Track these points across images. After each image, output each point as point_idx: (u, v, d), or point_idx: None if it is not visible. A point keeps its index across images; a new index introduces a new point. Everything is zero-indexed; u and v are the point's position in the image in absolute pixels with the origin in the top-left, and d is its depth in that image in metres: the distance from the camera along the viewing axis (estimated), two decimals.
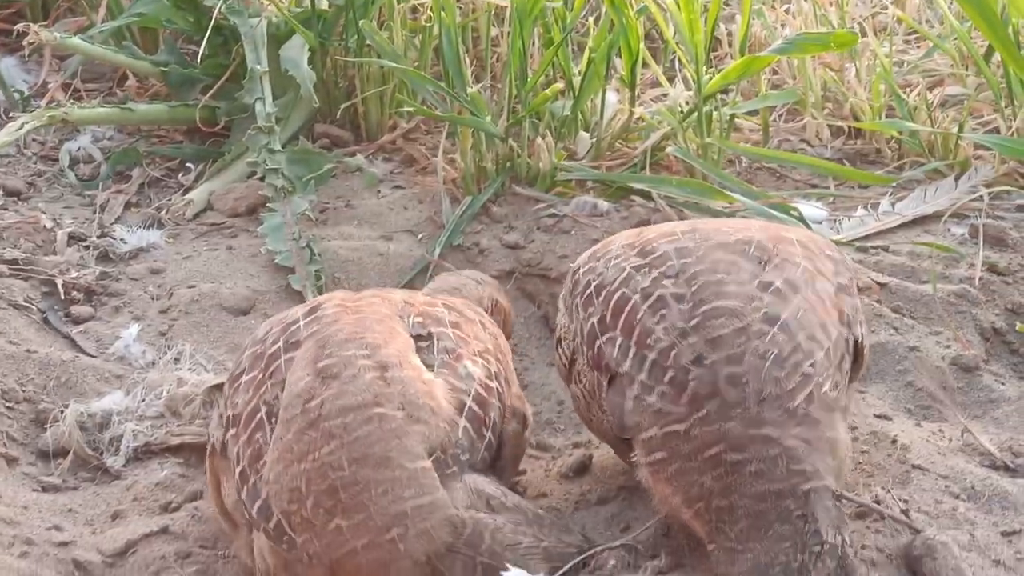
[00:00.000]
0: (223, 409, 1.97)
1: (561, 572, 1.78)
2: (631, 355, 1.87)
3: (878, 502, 1.94)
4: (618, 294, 1.93)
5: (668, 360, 1.83)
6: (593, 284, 1.98)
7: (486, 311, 2.22)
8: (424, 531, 1.74)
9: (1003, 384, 2.40)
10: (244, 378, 1.95)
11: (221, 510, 1.97)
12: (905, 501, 1.98)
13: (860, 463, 2.08)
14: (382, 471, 1.77)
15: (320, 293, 2.66)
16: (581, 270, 2.04)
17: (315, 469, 1.78)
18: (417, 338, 1.96)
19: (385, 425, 1.80)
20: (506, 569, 1.73)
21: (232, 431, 1.91)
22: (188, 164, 3.24)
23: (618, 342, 1.89)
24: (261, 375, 1.93)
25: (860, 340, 1.97)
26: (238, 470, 1.87)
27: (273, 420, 1.86)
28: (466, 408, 1.87)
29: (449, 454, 1.82)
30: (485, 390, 1.92)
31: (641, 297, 1.90)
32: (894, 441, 2.13)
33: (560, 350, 2.08)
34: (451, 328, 1.99)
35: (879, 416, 2.23)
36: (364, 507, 1.75)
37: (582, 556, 1.81)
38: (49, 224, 2.93)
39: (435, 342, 1.95)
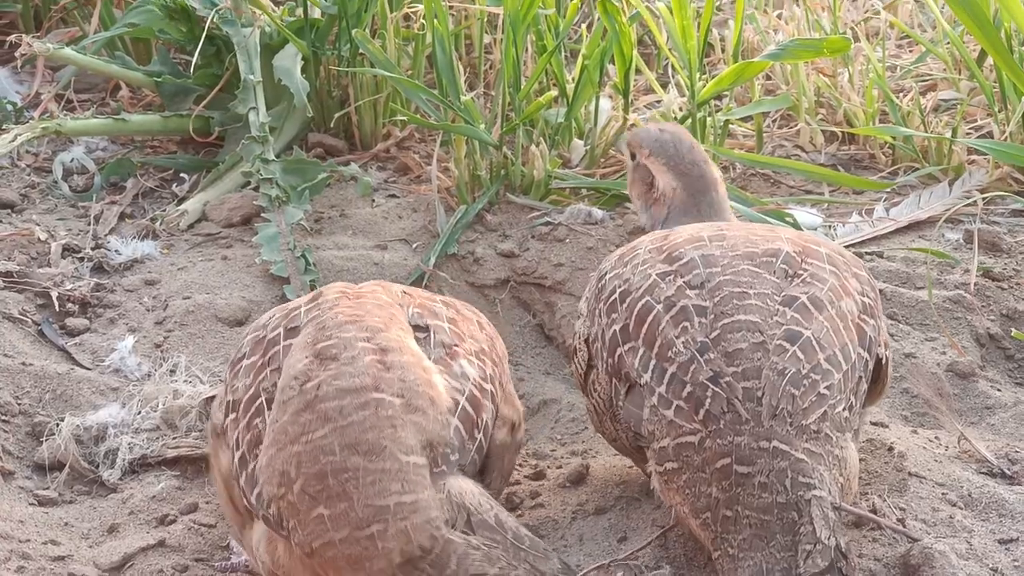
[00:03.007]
0: (224, 394, 1.95)
1: None
2: (651, 367, 1.88)
3: (874, 510, 1.94)
4: (642, 302, 1.93)
5: (687, 375, 1.85)
6: (619, 290, 1.99)
7: None
8: (403, 530, 1.71)
9: (999, 390, 2.40)
10: (244, 362, 1.94)
11: (226, 500, 1.94)
12: (902, 509, 1.98)
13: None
14: (373, 460, 1.74)
15: None
16: (608, 275, 2.04)
17: (307, 452, 1.76)
18: (415, 328, 1.93)
19: (382, 412, 1.77)
20: None
21: (232, 416, 1.89)
22: (182, 174, 3.23)
23: (640, 352, 1.91)
24: (261, 360, 1.91)
25: (884, 362, 1.99)
26: (237, 456, 1.85)
27: (270, 407, 1.84)
28: (459, 407, 1.84)
29: (439, 452, 1.78)
30: (479, 391, 1.89)
31: (664, 307, 1.91)
32: (891, 449, 2.13)
33: (576, 359, 2.08)
34: (448, 323, 1.96)
35: (875, 423, 2.23)
36: (348, 496, 1.72)
37: None
38: (43, 236, 2.92)
39: (432, 335, 1.93)
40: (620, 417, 1.94)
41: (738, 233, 2.01)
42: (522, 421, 2.04)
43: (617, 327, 1.95)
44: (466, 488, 1.78)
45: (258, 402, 1.86)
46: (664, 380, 1.86)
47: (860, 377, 1.90)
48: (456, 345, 1.93)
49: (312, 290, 2.68)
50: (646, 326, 1.91)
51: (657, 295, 1.93)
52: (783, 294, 1.90)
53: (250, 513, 1.85)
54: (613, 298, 1.99)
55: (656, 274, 1.95)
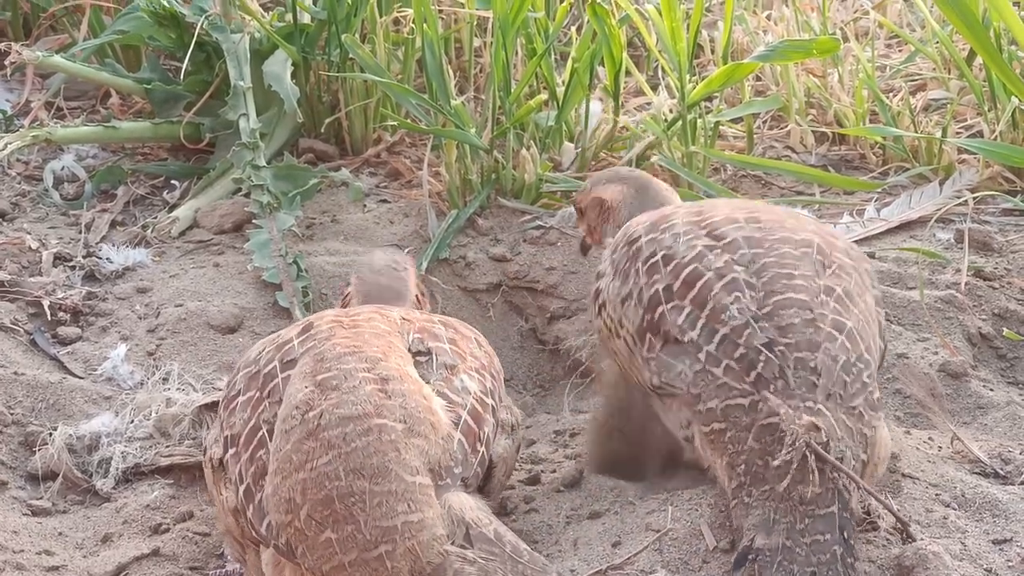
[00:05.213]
0: (220, 430, 1.96)
1: None
2: (700, 326, 1.96)
3: (868, 513, 1.94)
4: (690, 267, 2.01)
5: (741, 338, 1.93)
6: (660, 254, 2.05)
7: (422, 295, 2.25)
8: (411, 548, 1.73)
9: (991, 390, 2.40)
10: (240, 399, 1.94)
11: (228, 529, 1.95)
12: (897, 511, 1.98)
13: None
14: (379, 483, 1.76)
15: (308, 309, 2.65)
16: (644, 238, 2.10)
17: (312, 479, 1.77)
18: (416, 354, 1.96)
19: (384, 436, 1.79)
20: None
21: (232, 450, 1.91)
22: (173, 181, 3.23)
23: (686, 311, 1.98)
24: (258, 394, 1.92)
25: (884, 348, 2.10)
26: (242, 488, 1.86)
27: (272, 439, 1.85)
28: (461, 421, 1.87)
29: (443, 467, 1.81)
30: (480, 405, 1.92)
31: (716, 275, 1.99)
32: None
33: (603, 314, 2.13)
34: (448, 344, 1.99)
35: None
36: (355, 519, 1.74)
37: None
38: (34, 245, 2.92)
39: (434, 357, 1.95)
40: (651, 365, 2.00)
41: (771, 217, 2.10)
42: (519, 429, 2.06)
43: (660, 286, 2.02)
44: (466, 503, 1.80)
45: (260, 434, 1.88)
46: (715, 340, 1.95)
47: (880, 364, 2.04)
48: (458, 363, 1.96)
49: (304, 297, 2.69)
50: (696, 289, 1.99)
51: (707, 264, 2.01)
52: (822, 283, 1.99)
53: (256, 542, 1.87)
54: (655, 260, 2.05)
55: (703, 246, 2.04)
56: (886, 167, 3.15)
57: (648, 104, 3.27)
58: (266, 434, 1.87)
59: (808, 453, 1.82)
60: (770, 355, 1.91)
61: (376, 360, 1.89)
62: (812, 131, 3.26)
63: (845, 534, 1.80)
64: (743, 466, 1.87)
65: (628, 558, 1.91)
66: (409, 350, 1.96)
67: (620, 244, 2.15)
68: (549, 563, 1.79)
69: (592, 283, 2.20)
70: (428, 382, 1.91)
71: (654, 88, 3.27)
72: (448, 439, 1.84)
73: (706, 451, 1.94)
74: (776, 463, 1.84)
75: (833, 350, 1.92)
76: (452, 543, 1.75)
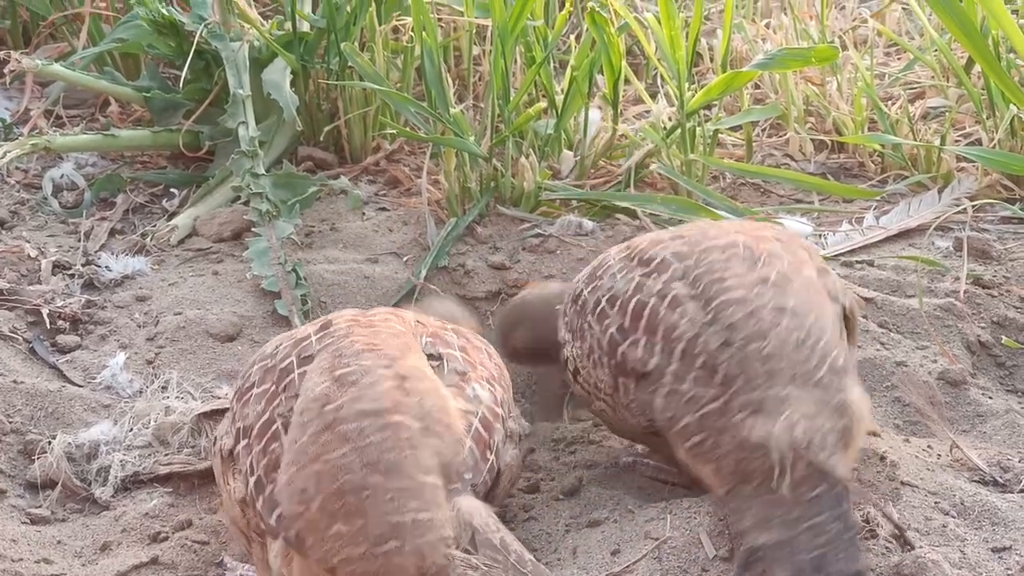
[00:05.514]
0: (232, 421, 1.97)
1: None
2: (658, 351, 1.98)
3: (868, 521, 1.94)
4: (634, 300, 2.04)
5: (696, 347, 1.95)
6: (604, 299, 2.09)
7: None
8: (418, 547, 1.73)
9: (991, 398, 2.40)
10: (255, 391, 1.95)
11: (235, 520, 1.95)
12: (896, 518, 1.98)
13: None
14: (392, 479, 1.76)
15: (307, 317, 2.65)
16: (585, 291, 2.15)
17: (326, 471, 1.77)
18: (429, 356, 1.96)
19: (401, 433, 1.79)
20: None
21: (244, 441, 1.91)
22: (172, 189, 3.23)
23: (642, 343, 2.00)
24: (274, 387, 1.93)
25: (848, 307, 2.12)
26: (252, 480, 1.86)
27: (287, 432, 1.85)
28: (472, 429, 1.88)
29: (455, 471, 1.81)
30: (491, 414, 1.93)
31: (658, 298, 2.02)
32: (883, 458, 2.13)
33: (579, 380, 2.16)
34: (460, 351, 2.00)
35: (867, 433, 2.23)
36: (365, 513, 1.74)
37: None
38: (33, 253, 2.91)
39: (445, 363, 1.96)
40: (632, 409, 2.02)
41: (694, 232, 2.14)
42: (524, 440, 2.08)
43: (613, 329, 2.05)
44: (475, 508, 1.80)
45: (274, 427, 1.88)
46: (674, 357, 1.96)
47: (840, 327, 2.05)
48: (469, 371, 1.97)
49: (303, 305, 2.69)
50: (644, 319, 2.01)
51: (647, 291, 2.04)
52: (755, 276, 2.02)
53: (262, 534, 1.87)
54: (601, 307, 2.09)
55: (639, 275, 2.07)
56: (885, 175, 3.15)
57: (647, 112, 3.27)
58: (280, 428, 1.87)
59: (779, 457, 1.84)
60: (729, 350, 1.93)
61: (394, 358, 1.90)
62: (811, 139, 3.27)
63: (839, 509, 1.81)
64: (729, 467, 1.88)
65: (627, 566, 1.91)
66: (423, 352, 1.97)
67: (567, 307, 2.20)
68: (551, 575, 1.79)
69: (561, 352, 2.23)
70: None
71: (653, 96, 3.28)
72: (460, 443, 1.84)
73: (694, 466, 1.95)
74: (757, 457, 1.85)
75: (781, 333, 1.94)
76: (458, 547, 1.75)
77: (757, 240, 2.09)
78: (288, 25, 3.22)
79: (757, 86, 3.43)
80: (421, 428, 1.81)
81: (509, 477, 1.98)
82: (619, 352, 2.03)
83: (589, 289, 2.14)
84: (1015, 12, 3.32)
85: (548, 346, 2.34)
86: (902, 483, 2.07)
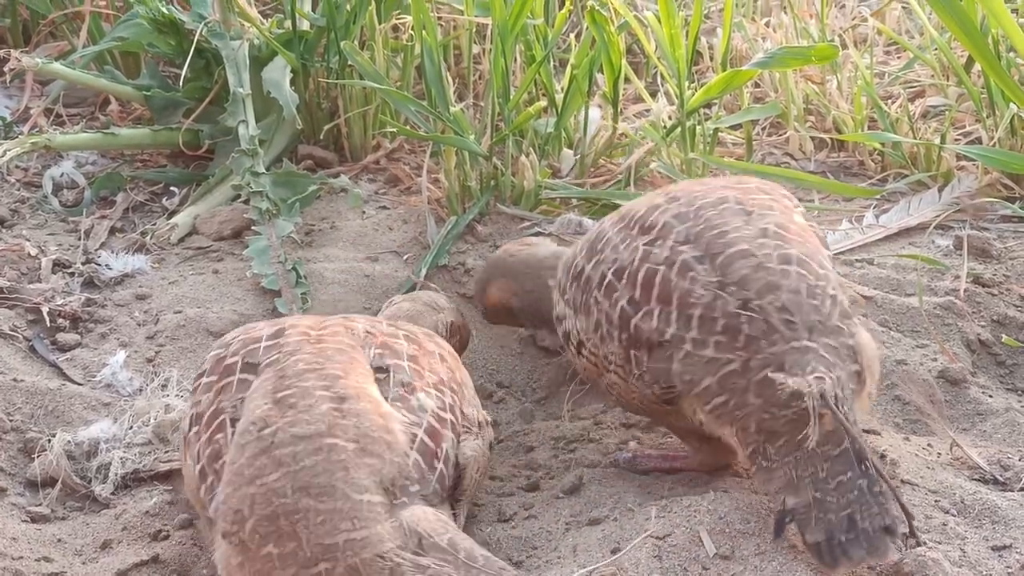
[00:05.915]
0: (189, 406, 2.03)
1: None
2: (674, 319, 1.98)
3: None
4: (643, 271, 2.03)
5: (715, 311, 1.96)
6: (610, 271, 2.08)
7: (443, 336, 2.28)
8: (353, 566, 1.76)
9: (990, 396, 2.40)
10: (204, 379, 2.02)
11: (195, 496, 2.00)
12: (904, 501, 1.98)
13: None
14: (324, 501, 1.80)
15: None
16: (587, 266, 2.13)
17: (260, 494, 1.82)
18: (376, 369, 2.00)
19: (334, 456, 1.83)
20: None
21: (195, 428, 1.98)
22: (172, 188, 3.23)
23: (656, 313, 2.00)
24: (219, 381, 1.99)
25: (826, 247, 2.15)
26: (197, 468, 1.93)
27: (231, 425, 1.92)
28: (417, 440, 1.91)
29: (398, 486, 1.84)
30: (438, 422, 1.96)
31: (666, 266, 2.01)
32: (883, 456, 2.13)
33: (584, 354, 2.15)
34: (408, 361, 2.02)
35: (867, 431, 2.24)
36: (297, 536, 1.78)
37: None
38: (34, 251, 2.92)
39: (392, 375, 1.99)
40: (646, 378, 2.02)
41: (684, 191, 2.15)
42: (487, 427, 2.10)
43: (624, 302, 2.04)
44: (421, 516, 1.83)
45: (220, 419, 1.94)
46: (692, 324, 1.96)
47: (835, 270, 2.09)
48: (415, 381, 2.00)
49: (303, 303, 2.69)
50: (656, 288, 2.01)
51: (654, 260, 2.03)
52: (754, 228, 2.03)
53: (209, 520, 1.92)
54: (607, 281, 2.08)
55: (643, 244, 2.06)
56: (885, 173, 3.15)
57: (647, 111, 3.27)
58: (227, 420, 1.93)
59: (813, 404, 1.84)
60: (750, 313, 1.93)
61: (336, 378, 1.93)
62: (811, 137, 3.27)
63: (864, 465, 1.84)
64: (753, 426, 1.90)
65: (617, 556, 1.91)
66: (370, 365, 1.99)
67: (566, 283, 2.18)
68: (509, 566, 1.81)
69: (557, 327, 2.23)
70: (385, 399, 1.95)
71: (653, 95, 3.28)
72: (404, 458, 1.87)
73: (716, 428, 1.97)
74: (784, 413, 1.87)
75: (792, 284, 1.95)
76: (407, 552, 1.78)
77: (744, 192, 2.10)
78: (288, 23, 3.22)
79: (757, 85, 3.43)
80: (357, 449, 1.84)
81: (476, 467, 2.01)
82: (632, 324, 2.02)
83: (591, 264, 2.12)
84: (1015, 11, 3.32)
85: (534, 311, 2.34)
86: (902, 481, 2.07)
